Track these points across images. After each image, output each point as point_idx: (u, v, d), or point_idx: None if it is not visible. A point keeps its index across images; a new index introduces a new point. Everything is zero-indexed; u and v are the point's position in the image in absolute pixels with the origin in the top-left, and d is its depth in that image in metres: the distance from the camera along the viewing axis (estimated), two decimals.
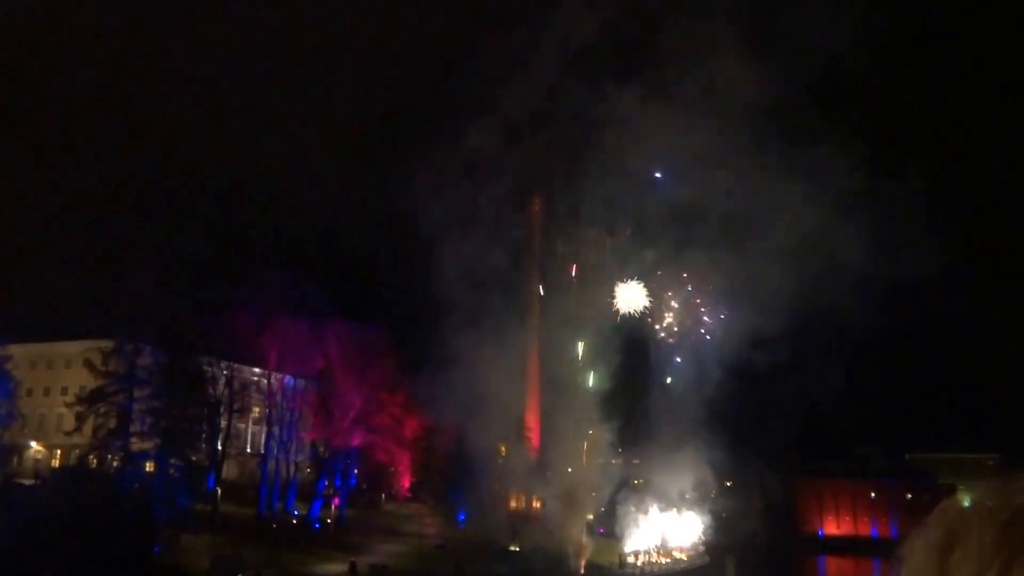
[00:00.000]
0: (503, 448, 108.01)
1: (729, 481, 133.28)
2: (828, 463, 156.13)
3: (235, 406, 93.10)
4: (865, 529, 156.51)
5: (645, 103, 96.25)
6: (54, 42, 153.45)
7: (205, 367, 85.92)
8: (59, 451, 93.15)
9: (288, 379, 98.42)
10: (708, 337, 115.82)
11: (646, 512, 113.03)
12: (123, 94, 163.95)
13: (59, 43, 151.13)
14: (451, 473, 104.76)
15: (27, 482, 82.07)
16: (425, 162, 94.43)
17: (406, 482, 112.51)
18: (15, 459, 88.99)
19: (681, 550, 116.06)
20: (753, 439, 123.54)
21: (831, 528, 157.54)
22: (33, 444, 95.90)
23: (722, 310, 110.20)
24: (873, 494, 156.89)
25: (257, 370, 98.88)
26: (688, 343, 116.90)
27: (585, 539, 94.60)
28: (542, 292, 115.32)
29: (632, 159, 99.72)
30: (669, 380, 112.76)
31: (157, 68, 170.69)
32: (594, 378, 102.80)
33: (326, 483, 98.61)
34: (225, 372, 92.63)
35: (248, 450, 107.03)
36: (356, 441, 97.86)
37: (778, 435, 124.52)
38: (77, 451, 79.05)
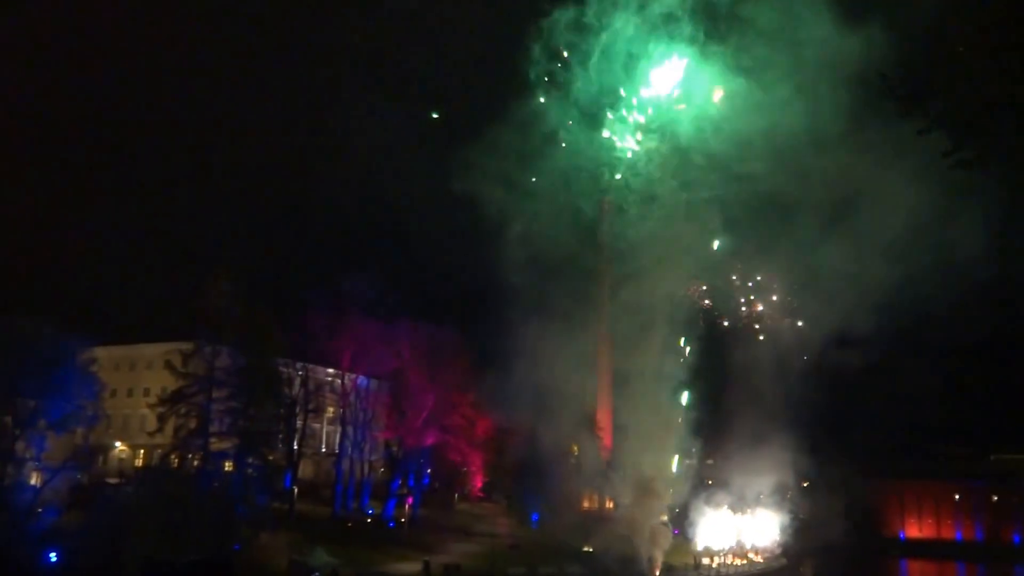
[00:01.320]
0: (575, 447, 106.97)
1: (807, 482, 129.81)
2: (910, 463, 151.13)
3: (310, 406, 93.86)
4: (949, 532, 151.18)
5: (726, 78, 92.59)
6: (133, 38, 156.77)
7: (281, 368, 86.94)
8: (142, 451, 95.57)
9: (361, 379, 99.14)
10: (792, 333, 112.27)
11: (721, 513, 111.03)
12: (198, 97, 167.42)
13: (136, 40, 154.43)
14: (523, 473, 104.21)
15: (112, 481, 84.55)
16: (490, 148, 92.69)
17: (479, 482, 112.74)
18: (101, 459, 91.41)
19: (757, 552, 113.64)
20: (834, 438, 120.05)
21: (913, 531, 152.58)
22: (117, 444, 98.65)
23: (809, 305, 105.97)
24: (957, 496, 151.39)
25: (331, 370, 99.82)
26: (771, 337, 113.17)
27: (662, 539, 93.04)
28: (612, 281, 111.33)
29: (712, 140, 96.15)
30: (748, 376, 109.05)
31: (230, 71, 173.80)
32: (669, 374, 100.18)
33: (400, 482, 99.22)
34: (300, 373, 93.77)
35: (323, 449, 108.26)
36: (429, 441, 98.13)
37: (859, 434, 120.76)
38: (159, 451, 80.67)
